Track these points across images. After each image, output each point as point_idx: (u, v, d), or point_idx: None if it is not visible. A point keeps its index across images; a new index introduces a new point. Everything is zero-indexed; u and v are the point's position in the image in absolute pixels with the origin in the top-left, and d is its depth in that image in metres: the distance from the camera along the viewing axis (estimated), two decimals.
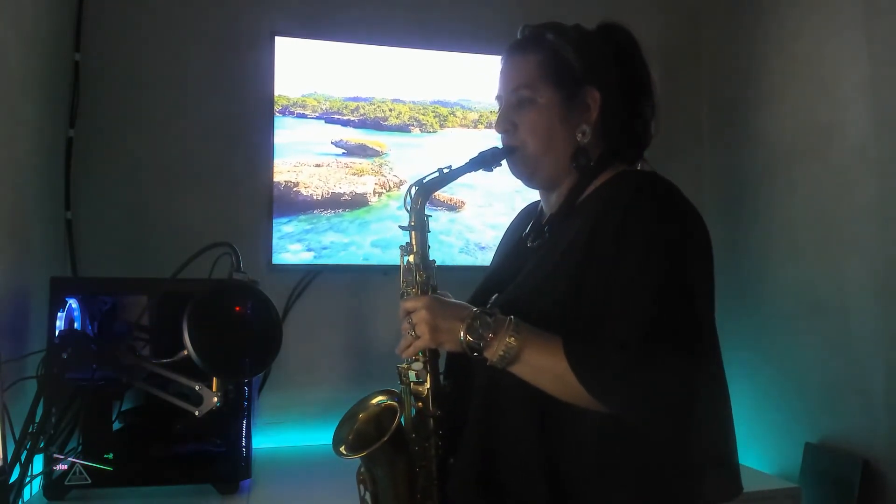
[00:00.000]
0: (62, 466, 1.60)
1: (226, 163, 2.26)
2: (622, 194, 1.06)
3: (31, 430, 1.38)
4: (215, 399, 1.37)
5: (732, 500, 1.07)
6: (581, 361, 0.97)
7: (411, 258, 1.13)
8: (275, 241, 2.23)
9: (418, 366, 1.10)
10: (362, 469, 1.14)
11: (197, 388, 1.38)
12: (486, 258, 2.29)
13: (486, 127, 2.41)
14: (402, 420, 1.10)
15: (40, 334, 1.71)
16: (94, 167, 2.15)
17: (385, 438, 1.07)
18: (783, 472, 2.17)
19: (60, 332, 1.61)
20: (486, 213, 2.39)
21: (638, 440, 1.00)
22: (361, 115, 2.33)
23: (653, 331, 0.96)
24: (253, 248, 2.14)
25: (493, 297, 1.13)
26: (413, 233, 1.13)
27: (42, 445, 1.46)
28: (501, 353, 1.00)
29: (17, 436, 1.40)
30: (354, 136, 2.33)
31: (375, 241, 2.33)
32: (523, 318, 1.01)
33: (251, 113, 2.26)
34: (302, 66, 2.28)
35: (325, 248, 2.29)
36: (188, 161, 2.23)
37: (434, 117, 2.39)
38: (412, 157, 2.37)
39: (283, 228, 2.25)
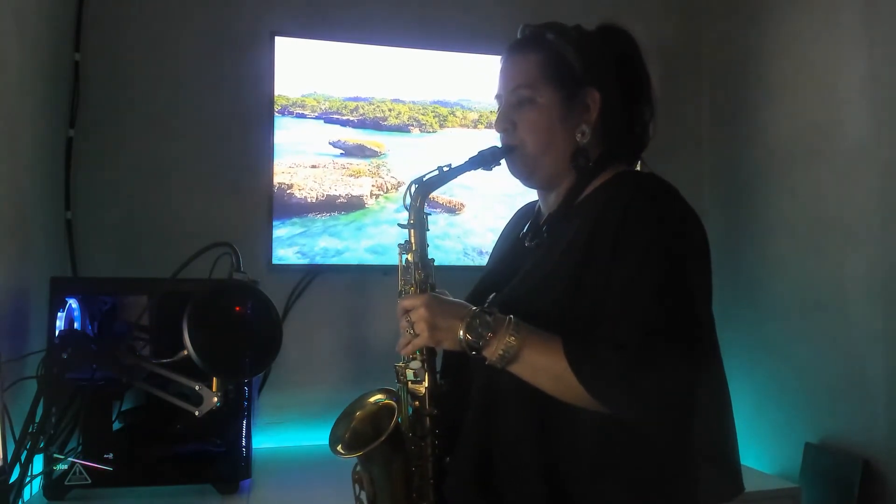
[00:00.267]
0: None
1: (226, 162, 2.26)
2: (622, 195, 1.06)
3: (31, 430, 1.37)
4: (215, 399, 1.37)
5: (733, 500, 1.07)
6: (581, 361, 0.97)
7: (410, 256, 1.13)
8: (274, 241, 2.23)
9: (416, 364, 1.10)
10: (358, 468, 1.14)
11: (197, 388, 1.37)
12: (486, 262, 2.28)
13: (486, 127, 2.40)
14: (399, 419, 1.10)
15: (40, 334, 1.71)
16: (94, 167, 2.15)
17: (383, 437, 1.07)
18: (783, 472, 2.17)
19: (60, 332, 1.62)
20: (487, 216, 2.36)
21: (637, 440, 1.00)
22: (361, 115, 2.33)
23: (652, 331, 0.96)
24: (253, 248, 2.14)
25: (491, 297, 1.13)
26: (412, 231, 1.13)
27: (42, 445, 1.46)
28: (501, 352, 1.00)
29: (17, 436, 1.40)
30: (353, 136, 2.32)
31: (371, 246, 2.29)
32: (522, 318, 1.01)
33: (251, 113, 2.26)
34: (302, 65, 2.28)
35: (317, 254, 2.26)
36: (188, 161, 2.23)
37: (434, 117, 2.38)
38: (411, 158, 2.35)
39: (276, 232, 2.23)
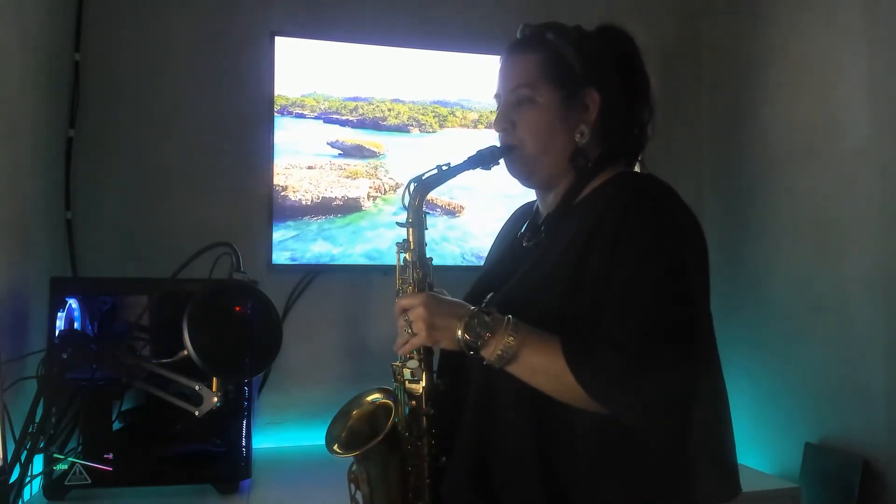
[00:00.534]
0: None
1: (226, 162, 2.26)
2: (621, 195, 1.06)
3: (31, 430, 1.38)
4: (215, 399, 1.37)
5: (731, 501, 1.07)
6: (579, 361, 0.97)
7: (408, 255, 1.13)
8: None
9: (413, 364, 1.10)
10: (354, 467, 1.14)
11: (197, 388, 1.37)
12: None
13: (486, 127, 2.40)
14: (396, 419, 1.10)
15: (40, 334, 1.71)
16: (94, 167, 2.15)
17: (380, 437, 1.07)
18: (783, 472, 2.17)
19: (60, 332, 1.62)
20: (487, 219, 2.34)
21: (635, 441, 1.00)
22: (360, 115, 2.32)
23: (651, 331, 0.96)
24: (253, 248, 2.14)
25: (489, 296, 1.12)
26: (410, 229, 1.13)
27: (42, 445, 1.47)
28: (499, 352, 0.99)
29: (17, 436, 1.40)
30: (352, 136, 2.30)
31: (367, 251, 2.25)
32: (520, 318, 1.01)
33: (251, 113, 2.26)
34: (301, 65, 2.28)
35: (310, 261, 2.24)
36: (188, 160, 2.23)
37: (433, 117, 2.38)
38: (410, 159, 2.34)
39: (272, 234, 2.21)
